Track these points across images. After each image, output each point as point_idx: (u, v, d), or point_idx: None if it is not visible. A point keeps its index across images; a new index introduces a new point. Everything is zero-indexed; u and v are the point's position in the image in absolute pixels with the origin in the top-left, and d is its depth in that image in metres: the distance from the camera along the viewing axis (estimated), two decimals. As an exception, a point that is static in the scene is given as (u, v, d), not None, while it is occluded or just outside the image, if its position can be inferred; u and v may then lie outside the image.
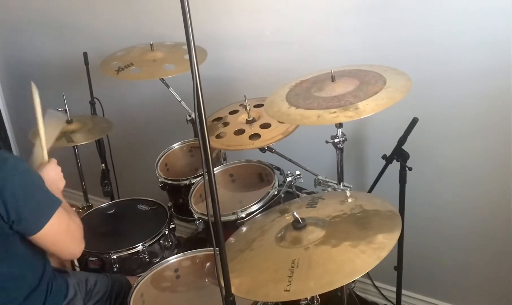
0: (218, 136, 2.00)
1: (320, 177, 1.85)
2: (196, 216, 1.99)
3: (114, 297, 1.86)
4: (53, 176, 1.69)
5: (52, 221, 1.48)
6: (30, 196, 1.45)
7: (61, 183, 1.73)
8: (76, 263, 2.08)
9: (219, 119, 2.10)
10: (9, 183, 1.41)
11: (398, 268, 2.04)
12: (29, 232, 1.47)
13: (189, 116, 2.35)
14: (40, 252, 1.62)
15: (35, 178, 1.49)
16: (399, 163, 1.87)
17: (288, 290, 1.25)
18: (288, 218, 1.52)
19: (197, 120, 1.18)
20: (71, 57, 2.93)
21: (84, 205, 2.58)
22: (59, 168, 1.74)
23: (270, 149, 1.96)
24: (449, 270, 2.26)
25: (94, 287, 1.82)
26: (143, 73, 2.25)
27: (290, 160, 2.02)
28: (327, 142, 1.74)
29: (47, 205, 1.50)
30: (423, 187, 2.14)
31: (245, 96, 2.02)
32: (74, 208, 1.85)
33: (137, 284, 1.74)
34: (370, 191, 2.08)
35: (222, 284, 1.28)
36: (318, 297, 1.55)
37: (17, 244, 1.51)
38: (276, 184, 1.99)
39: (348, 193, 1.63)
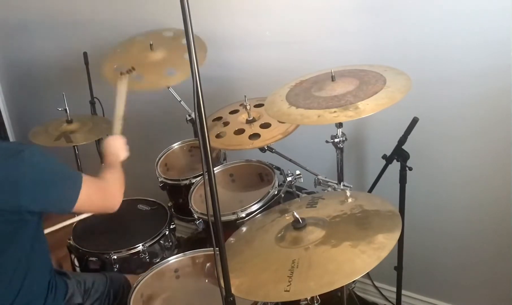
0: (218, 136, 2.00)
1: (320, 177, 1.85)
2: (196, 216, 1.99)
3: (112, 294, 1.86)
4: (115, 145, 1.82)
5: (82, 194, 1.53)
6: (52, 181, 1.49)
7: (122, 153, 1.83)
8: (76, 263, 2.08)
9: (219, 119, 2.10)
10: (28, 174, 1.43)
11: (398, 268, 2.04)
12: (63, 211, 1.56)
13: (189, 116, 2.35)
14: (45, 250, 1.64)
15: (52, 163, 1.51)
16: (399, 163, 1.87)
17: (288, 290, 1.25)
18: (288, 218, 1.52)
19: (197, 120, 1.18)
20: (71, 57, 2.93)
21: (84, 205, 2.57)
22: (123, 141, 1.86)
23: (270, 149, 1.96)
24: (449, 270, 2.26)
25: (92, 286, 1.83)
26: (147, 83, 2.28)
27: (290, 160, 2.02)
28: (327, 142, 1.74)
29: (72, 182, 1.54)
30: (423, 187, 2.14)
31: (245, 96, 2.02)
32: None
33: (137, 284, 1.74)
34: (370, 191, 2.08)
35: (222, 284, 1.28)
36: (318, 297, 1.55)
37: (27, 237, 1.52)
38: (276, 184, 1.99)
39: (348, 193, 1.63)
